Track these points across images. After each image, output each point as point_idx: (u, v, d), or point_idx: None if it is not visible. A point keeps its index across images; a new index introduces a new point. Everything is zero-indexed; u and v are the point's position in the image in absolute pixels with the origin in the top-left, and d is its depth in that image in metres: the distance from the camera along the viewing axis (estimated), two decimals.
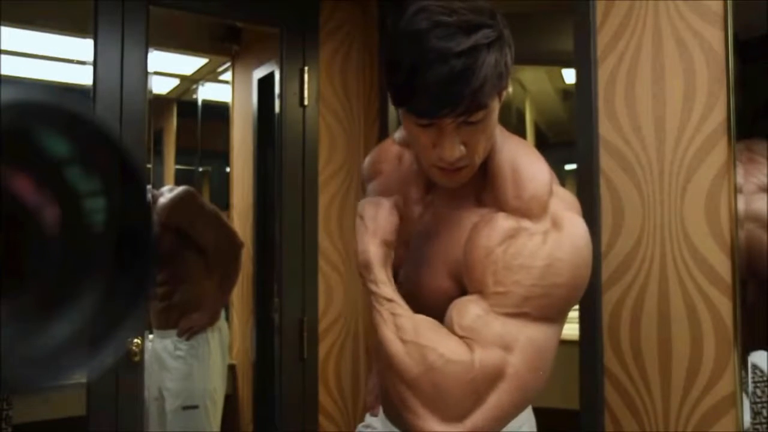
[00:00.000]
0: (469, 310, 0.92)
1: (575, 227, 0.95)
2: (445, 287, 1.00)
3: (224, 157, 3.18)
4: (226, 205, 3.19)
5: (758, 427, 1.27)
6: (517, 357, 0.89)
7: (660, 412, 1.41)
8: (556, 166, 1.23)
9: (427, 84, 0.84)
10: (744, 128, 1.30)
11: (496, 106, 0.92)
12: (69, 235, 0.48)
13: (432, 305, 0.99)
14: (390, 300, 0.95)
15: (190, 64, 3.21)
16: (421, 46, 0.84)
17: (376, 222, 1.00)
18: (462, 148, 0.90)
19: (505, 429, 1.09)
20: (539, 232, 0.92)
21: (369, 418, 1.33)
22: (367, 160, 1.28)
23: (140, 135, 1.93)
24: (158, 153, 3.15)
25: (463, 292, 0.97)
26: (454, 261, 0.99)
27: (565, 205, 0.98)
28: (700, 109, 1.36)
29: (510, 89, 0.98)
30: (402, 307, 0.95)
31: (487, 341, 0.89)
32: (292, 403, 2.22)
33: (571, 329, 1.29)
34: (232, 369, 2.99)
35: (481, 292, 0.93)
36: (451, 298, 0.97)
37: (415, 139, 0.94)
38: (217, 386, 2.78)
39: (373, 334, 2.00)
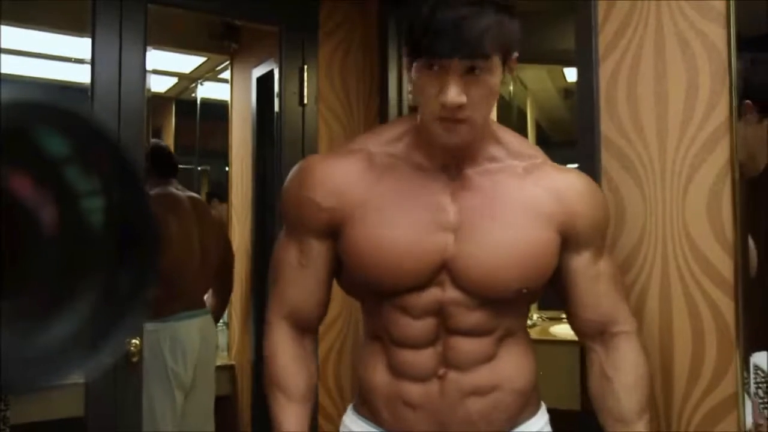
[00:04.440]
0: (602, 281, 1.20)
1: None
2: (549, 237, 1.12)
3: (223, 156, 3.17)
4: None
5: (761, 428, 1.27)
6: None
7: (661, 413, 1.40)
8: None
9: (440, 25, 0.97)
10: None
11: (498, 69, 1.03)
12: (68, 235, 0.48)
13: (527, 256, 1.10)
14: None
15: (188, 62, 3.21)
16: None
17: None
18: (464, 97, 0.99)
19: (527, 430, 1.17)
20: (571, 170, 1.22)
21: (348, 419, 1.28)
22: (306, 179, 1.27)
23: (139, 134, 1.92)
24: None
25: (564, 239, 1.14)
26: (545, 211, 1.12)
27: None
28: (702, 108, 1.36)
29: (514, 71, 1.09)
30: None
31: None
32: None
33: (571, 329, 1.29)
34: (231, 369, 2.98)
35: (594, 248, 1.18)
36: (556, 250, 1.13)
37: (422, 92, 1.03)
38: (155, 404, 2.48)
39: None
